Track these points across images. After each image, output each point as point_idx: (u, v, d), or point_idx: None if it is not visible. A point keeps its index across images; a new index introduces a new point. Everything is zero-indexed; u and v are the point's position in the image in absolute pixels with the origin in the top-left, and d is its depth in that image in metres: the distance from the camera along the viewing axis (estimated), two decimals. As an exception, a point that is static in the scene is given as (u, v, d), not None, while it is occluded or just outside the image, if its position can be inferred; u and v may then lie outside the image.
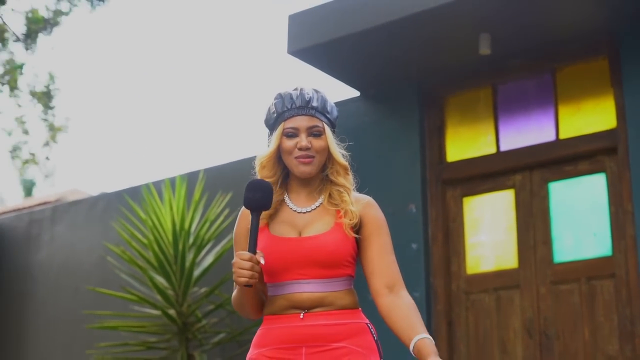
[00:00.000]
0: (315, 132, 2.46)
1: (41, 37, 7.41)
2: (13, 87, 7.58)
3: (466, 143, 5.66)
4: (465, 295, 5.47)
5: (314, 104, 2.46)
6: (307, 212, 2.49)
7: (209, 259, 6.01)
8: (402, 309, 2.39)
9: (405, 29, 5.21)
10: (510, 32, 5.20)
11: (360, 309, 2.47)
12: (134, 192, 7.04)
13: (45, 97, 7.60)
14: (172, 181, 6.56)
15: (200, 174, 6.41)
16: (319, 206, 2.49)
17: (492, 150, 5.55)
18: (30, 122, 7.94)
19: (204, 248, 6.01)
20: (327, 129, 2.47)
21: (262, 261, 2.37)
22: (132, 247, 6.06)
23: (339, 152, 2.47)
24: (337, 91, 6.28)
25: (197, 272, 5.96)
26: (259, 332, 2.47)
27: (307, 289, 2.41)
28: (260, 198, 2.35)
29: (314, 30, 5.47)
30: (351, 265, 2.46)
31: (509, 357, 5.26)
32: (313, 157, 2.44)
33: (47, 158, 8.02)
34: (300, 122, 2.46)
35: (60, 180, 27.29)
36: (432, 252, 5.45)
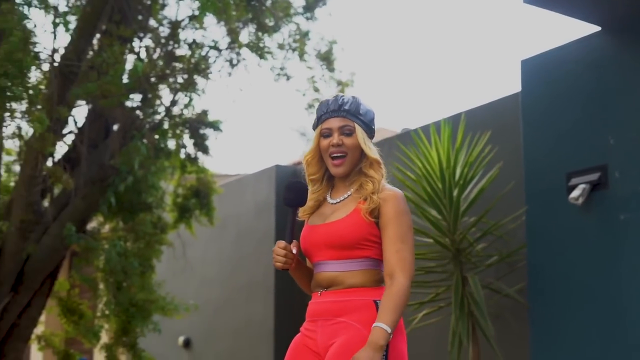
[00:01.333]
0: (346, 131, 2.89)
1: (318, 8, 8.77)
2: (302, 53, 8.99)
3: None
4: None
5: (346, 107, 2.90)
6: (337, 202, 2.94)
7: (474, 192, 6.94)
8: (386, 295, 2.74)
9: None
10: None
11: (373, 287, 2.83)
12: (405, 137, 8.16)
13: (327, 61, 8.94)
14: (437, 125, 7.55)
15: (461, 116, 7.33)
16: (347, 197, 2.92)
17: None
18: (320, 82, 9.33)
19: (469, 183, 6.95)
20: (358, 128, 2.89)
21: (294, 250, 2.88)
22: (406, 186, 7.17)
23: (370, 148, 2.90)
24: (577, 30, 6.82)
25: (464, 205, 6.93)
26: None
27: (325, 269, 2.88)
28: (293, 198, 2.92)
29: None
30: (369, 247, 2.83)
31: None
32: (345, 153, 2.89)
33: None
34: (333, 122, 2.90)
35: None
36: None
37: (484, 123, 7.36)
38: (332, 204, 2.94)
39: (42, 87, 6.68)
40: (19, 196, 7.34)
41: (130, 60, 8.14)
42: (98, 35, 7.80)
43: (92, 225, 9.10)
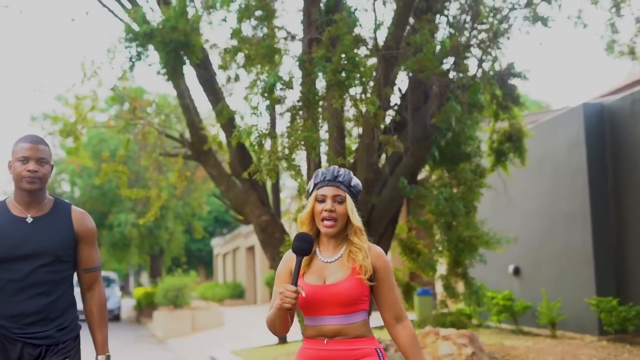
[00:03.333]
0: (338, 200, 3.32)
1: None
2: (595, 1, 9.75)
3: None
4: None
5: (340, 178, 3.35)
6: (331, 262, 3.36)
7: None
8: (407, 338, 3.32)
9: None
10: None
11: (373, 337, 3.34)
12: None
13: (617, 7, 9.62)
14: None
15: None
16: (339, 258, 3.35)
17: None
18: (617, 24, 10.00)
19: None
20: (348, 198, 3.34)
21: (303, 294, 3.25)
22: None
23: (356, 217, 3.33)
24: None
25: None
26: (300, 349, 3.41)
27: (330, 322, 3.29)
28: (307, 247, 3.27)
29: None
30: (365, 302, 3.32)
31: None
32: (336, 219, 3.32)
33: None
34: (328, 191, 3.33)
35: None
36: None
37: None
38: (325, 262, 3.38)
39: (371, 73, 8.29)
40: (360, 159, 9.13)
41: (442, 26, 9.54)
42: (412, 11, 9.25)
43: (422, 175, 10.73)
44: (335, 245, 3.39)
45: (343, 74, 7.46)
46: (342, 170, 3.39)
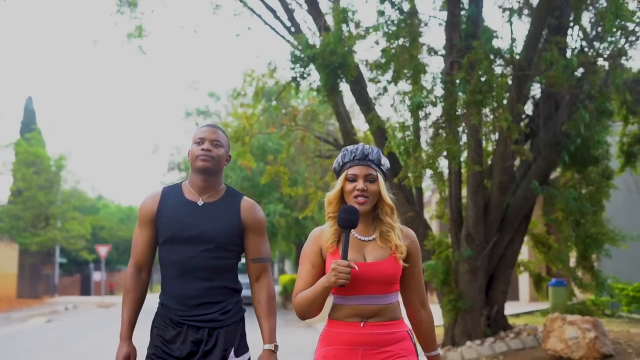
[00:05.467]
0: (370, 179, 3.25)
1: None
2: None
3: None
4: None
5: (371, 157, 3.27)
6: (367, 240, 3.27)
7: None
8: (427, 324, 3.37)
9: None
10: None
11: (402, 319, 3.28)
12: None
13: None
14: None
15: None
16: (374, 239, 3.26)
17: None
18: None
19: None
20: (380, 177, 3.27)
21: (356, 267, 3.11)
22: None
23: (387, 195, 3.27)
24: None
25: None
26: (326, 332, 3.28)
27: (368, 301, 3.18)
28: (354, 220, 3.14)
29: None
30: (398, 283, 3.28)
31: None
32: (367, 197, 3.23)
33: None
34: (359, 170, 3.25)
35: None
36: None
37: None
38: (362, 240, 3.31)
39: (504, 92, 9.50)
40: (496, 164, 10.38)
41: (572, 38, 10.55)
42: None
43: (554, 175, 11.77)
44: (367, 225, 3.32)
45: (480, 95, 8.74)
46: (371, 148, 3.35)
